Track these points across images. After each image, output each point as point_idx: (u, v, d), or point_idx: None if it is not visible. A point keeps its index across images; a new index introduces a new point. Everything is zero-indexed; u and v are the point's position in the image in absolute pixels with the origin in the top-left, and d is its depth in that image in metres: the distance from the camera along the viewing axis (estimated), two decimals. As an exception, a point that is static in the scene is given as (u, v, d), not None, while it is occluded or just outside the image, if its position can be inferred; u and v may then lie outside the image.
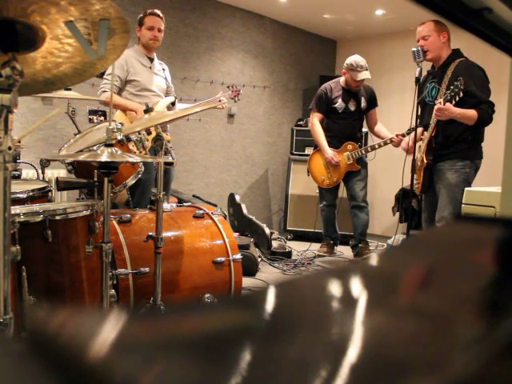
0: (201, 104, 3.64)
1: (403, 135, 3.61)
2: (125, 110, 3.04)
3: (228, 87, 3.63)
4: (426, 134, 3.00)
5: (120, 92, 3.09)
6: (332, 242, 4.28)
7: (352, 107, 3.98)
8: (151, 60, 3.20)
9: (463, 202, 2.29)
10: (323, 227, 4.28)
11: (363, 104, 4.01)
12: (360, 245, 4.07)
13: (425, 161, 2.99)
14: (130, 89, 3.09)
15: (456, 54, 3.03)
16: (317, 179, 4.13)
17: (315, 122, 4.02)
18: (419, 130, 3.08)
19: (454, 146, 2.95)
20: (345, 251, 4.36)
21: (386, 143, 3.85)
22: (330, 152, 3.96)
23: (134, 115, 2.97)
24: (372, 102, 4.05)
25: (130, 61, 3.09)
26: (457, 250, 0.53)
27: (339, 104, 3.96)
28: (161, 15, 3.15)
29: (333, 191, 4.15)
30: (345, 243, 4.42)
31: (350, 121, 4.01)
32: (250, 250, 3.53)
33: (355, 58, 3.86)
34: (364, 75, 3.83)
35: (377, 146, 3.89)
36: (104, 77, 2.99)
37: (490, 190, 2.19)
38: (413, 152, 3.02)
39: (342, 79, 3.98)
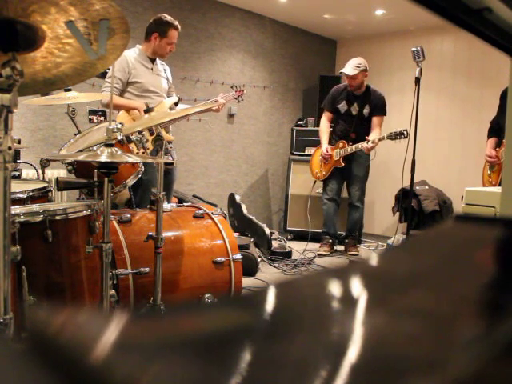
0: (200, 105, 3.64)
1: (373, 142, 3.87)
2: (127, 109, 3.03)
3: (232, 87, 3.63)
4: None
5: (122, 94, 3.07)
6: (331, 240, 4.31)
7: (354, 111, 4.12)
8: (153, 61, 3.19)
9: (463, 202, 2.29)
10: (323, 222, 4.34)
11: (366, 110, 4.09)
12: (347, 240, 4.27)
13: None
14: (133, 90, 3.08)
15: None
16: (312, 172, 4.42)
17: (322, 119, 4.31)
18: (492, 139, 3.26)
19: None
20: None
21: (357, 148, 4.02)
22: (323, 146, 4.21)
23: (137, 114, 2.97)
24: (375, 109, 4.10)
25: (132, 62, 3.07)
26: (457, 250, 0.53)
27: (342, 106, 4.16)
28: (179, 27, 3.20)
29: (335, 183, 4.26)
30: (345, 243, 4.44)
31: (350, 123, 4.14)
32: (250, 250, 3.52)
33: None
34: (344, 70, 4.00)
35: (354, 148, 4.04)
36: (106, 79, 2.98)
37: (490, 190, 2.19)
38: (494, 160, 3.17)
39: None
